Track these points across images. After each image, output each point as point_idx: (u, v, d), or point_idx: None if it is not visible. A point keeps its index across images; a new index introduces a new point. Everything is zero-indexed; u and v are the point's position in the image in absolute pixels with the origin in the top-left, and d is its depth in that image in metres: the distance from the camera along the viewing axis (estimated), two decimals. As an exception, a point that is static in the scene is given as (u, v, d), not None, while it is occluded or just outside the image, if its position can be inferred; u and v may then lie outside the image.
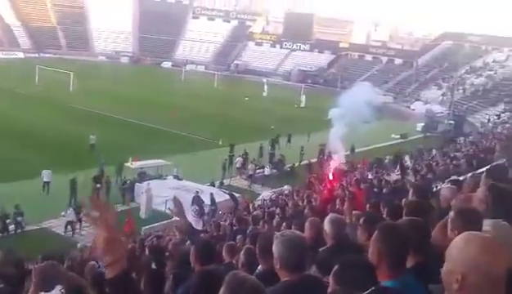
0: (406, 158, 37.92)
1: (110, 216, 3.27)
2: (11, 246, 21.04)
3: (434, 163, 30.17)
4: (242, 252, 6.99)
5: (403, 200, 7.65)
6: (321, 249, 6.39)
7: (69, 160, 40.54)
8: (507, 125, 53.00)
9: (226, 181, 42.88)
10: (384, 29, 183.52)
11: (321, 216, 8.39)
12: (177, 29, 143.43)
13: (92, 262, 12.20)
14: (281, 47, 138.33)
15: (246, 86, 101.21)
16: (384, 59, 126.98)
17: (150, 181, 37.50)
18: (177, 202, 7.67)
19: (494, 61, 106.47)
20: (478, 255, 2.80)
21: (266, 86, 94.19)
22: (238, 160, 45.99)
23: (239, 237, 12.66)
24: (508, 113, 71.40)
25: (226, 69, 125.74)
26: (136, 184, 37.54)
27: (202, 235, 12.73)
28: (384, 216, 7.27)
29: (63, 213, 31.33)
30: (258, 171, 45.73)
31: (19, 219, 30.02)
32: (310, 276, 4.84)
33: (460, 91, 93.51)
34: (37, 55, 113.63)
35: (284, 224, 13.04)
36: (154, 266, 9.65)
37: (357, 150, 49.13)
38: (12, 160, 39.24)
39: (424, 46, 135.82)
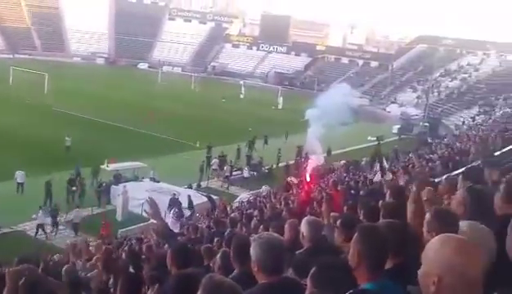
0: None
1: None
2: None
3: (410, 165, 30.31)
4: (218, 255, 6.95)
5: (380, 202, 7.67)
6: (297, 252, 6.38)
7: (43, 162, 40.15)
8: (482, 127, 53.30)
9: (203, 183, 42.74)
10: (360, 33, 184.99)
11: (299, 217, 8.39)
12: (154, 31, 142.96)
13: (70, 265, 12.14)
14: (258, 49, 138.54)
15: (223, 87, 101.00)
16: (360, 62, 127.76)
17: (127, 183, 37.30)
18: (152, 203, 7.63)
19: (468, 64, 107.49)
20: (452, 256, 2.83)
21: (243, 88, 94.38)
22: (214, 161, 45.92)
23: (216, 239, 12.63)
24: (482, 116, 71.94)
25: (203, 70, 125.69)
26: (113, 186, 37.29)
27: (179, 238, 12.69)
28: (361, 217, 7.28)
29: (34, 216, 30.96)
30: (235, 172, 45.74)
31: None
32: (288, 279, 4.82)
33: (435, 93, 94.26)
34: (11, 56, 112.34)
35: (261, 226, 13.03)
36: (131, 270, 9.59)
37: (333, 152, 49.15)
38: (-14, 161, 38.86)
39: (399, 49, 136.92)
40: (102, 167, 39.33)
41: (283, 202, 21.02)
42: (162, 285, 6.22)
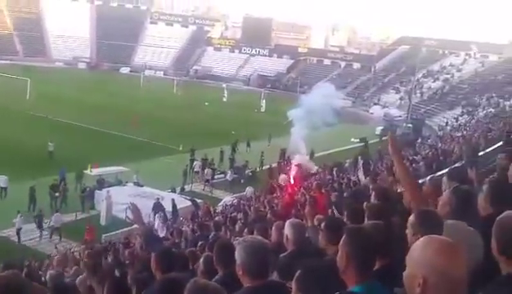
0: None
1: None
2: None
3: (394, 167, 30.35)
4: (201, 260, 6.93)
5: (364, 203, 7.67)
6: (281, 255, 6.36)
7: (26, 167, 39.93)
8: (466, 128, 53.64)
9: (187, 187, 42.71)
10: (342, 34, 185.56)
11: (284, 220, 8.38)
12: (135, 35, 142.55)
13: (55, 271, 12.09)
14: (240, 52, 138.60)
15: (206, 91, 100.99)
16: (343, 63, 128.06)
17: (110, 188, 37.23)
18: (134, 209, 7.60)
19: (451, 65, 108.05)
20: (434, 257, 2.83)
21: (226, 91, 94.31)
22: (196, 163, 45.89)
23: (200, 243, 12.61)
24: (466, 116, 72.31)
25: (185, 74, 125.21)
26: (96, 191, 37.21)
27: (164, 242, 12.66)
28: (345, 219, 7.27)
29: (14, 220, 30.76)
30: (218, 176, 45.72)
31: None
32: (273, 282, 4.82)
33: (418, 94, 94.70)
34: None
35: (246, 229, 13.01)
36: (117, 274, 9.55)
37: (316, 155, 49.16)
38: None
39: (381, 50, 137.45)
40: (86, 171, 39.22)
41: (268, 206, 21.03)
42: (147, 289, 6.18)
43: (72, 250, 26.96)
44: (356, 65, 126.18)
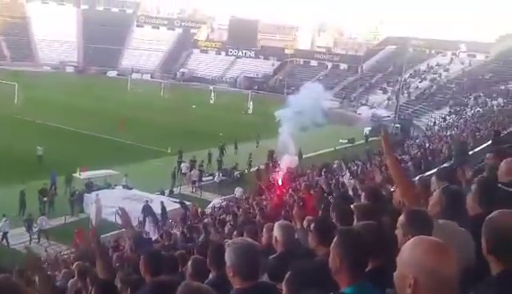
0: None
1: None
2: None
3: (384, 167, 30.41)
4: (189, 263, 6.91)
5: (353, 204, 7.67)
6: (271, 257, 6.36)
7: (15, 172, 39.77)
8: (454, 127, 53.84)
9: (176, 190, 42.64)
10: (329, 35, 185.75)
11: (273, 222, 8.39)
12: (122, 38, 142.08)
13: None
14: (227, 54, 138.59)
15: (193, 93, 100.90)
16: (329, 64, 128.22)
17: (99, 191, 37.11)
18: (123, 213, 7.58)
19: (438, 65, 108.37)
20: (423, 256, 2.85)
21: (213, 94, 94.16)
22: (183, 165, 45.87)
23: (190, 245, 12.61)
24: (454, 116, 72.47)
25: (172, 77, 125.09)
26: (85, 194, 37.07)
27: (154, 245, 12.65)
28: (334, 220, 7.27)
29: None
30: (207, 178, 45.66)
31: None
32: (263, 283, 4.81)
33: (405, 94, 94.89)
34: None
35: (235, 231, 13.01)
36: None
37: (304, 156, 49.16)
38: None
39: (368, 51, 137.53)
40: (75, 175, 39.10)
41: (257, 207, 21.02)
42: (137, 292, 6.17)
43: (62, 253, 26.94)
44: (343, 66, 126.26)
